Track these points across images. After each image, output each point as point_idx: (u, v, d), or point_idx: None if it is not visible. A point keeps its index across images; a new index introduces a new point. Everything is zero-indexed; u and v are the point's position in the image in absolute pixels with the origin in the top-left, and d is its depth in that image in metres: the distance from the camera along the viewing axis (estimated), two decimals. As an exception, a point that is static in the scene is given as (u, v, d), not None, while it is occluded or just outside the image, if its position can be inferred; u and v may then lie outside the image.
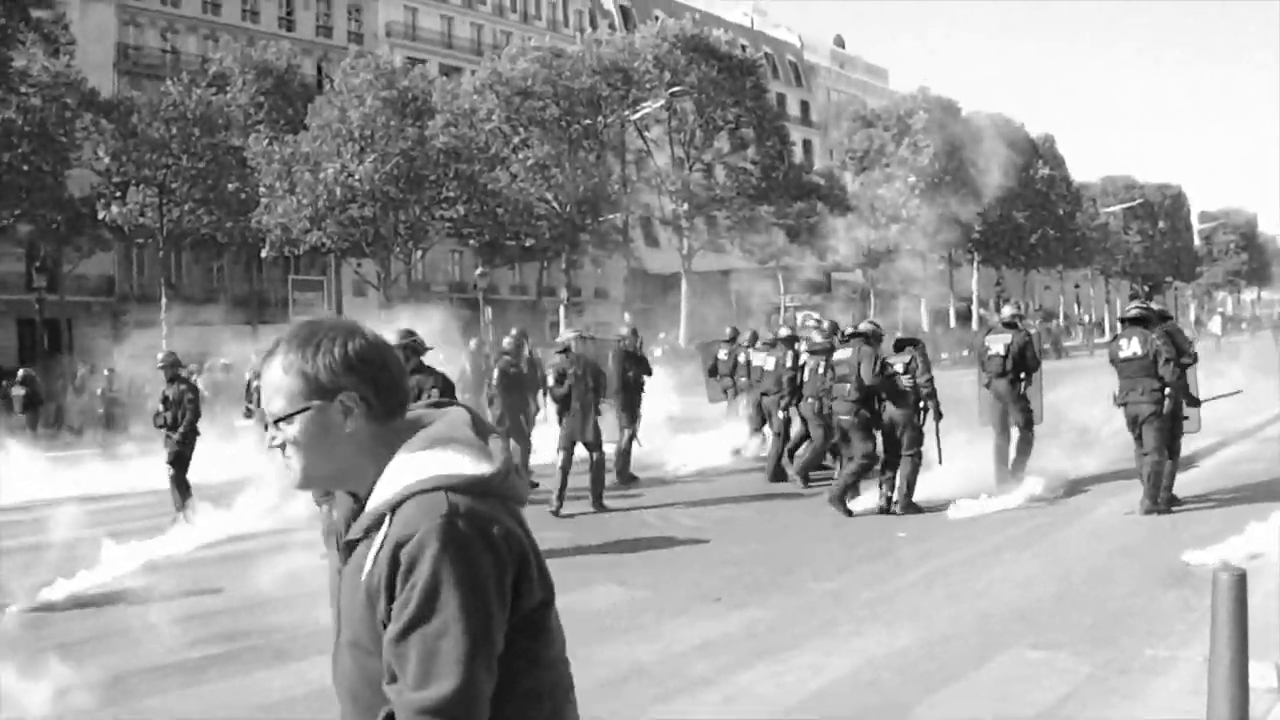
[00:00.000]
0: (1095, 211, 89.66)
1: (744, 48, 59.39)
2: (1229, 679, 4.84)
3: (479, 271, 46.22)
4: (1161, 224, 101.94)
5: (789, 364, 16.09)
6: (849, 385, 13.20)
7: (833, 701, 6.80)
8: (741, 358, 19.60)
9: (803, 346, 16.05)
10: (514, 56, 50.06)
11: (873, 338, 13.61)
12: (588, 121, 49.79)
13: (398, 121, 43.60)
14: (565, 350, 14.80)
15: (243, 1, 60.45)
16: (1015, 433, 14.42)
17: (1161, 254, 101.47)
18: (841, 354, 13.56)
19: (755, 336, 19.78)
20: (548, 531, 12.83)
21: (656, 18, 62.42)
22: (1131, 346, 12.39)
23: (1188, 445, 13.86)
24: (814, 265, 67.08)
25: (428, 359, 11.55)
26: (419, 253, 51.12)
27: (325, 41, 62.78)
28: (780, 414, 16.41)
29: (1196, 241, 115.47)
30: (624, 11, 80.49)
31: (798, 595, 9.53)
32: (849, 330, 14.26)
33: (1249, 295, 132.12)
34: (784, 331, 17.47)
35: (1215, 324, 69.50)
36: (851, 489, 13.40)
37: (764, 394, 17.31)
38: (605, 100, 50.69)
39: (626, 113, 50.00)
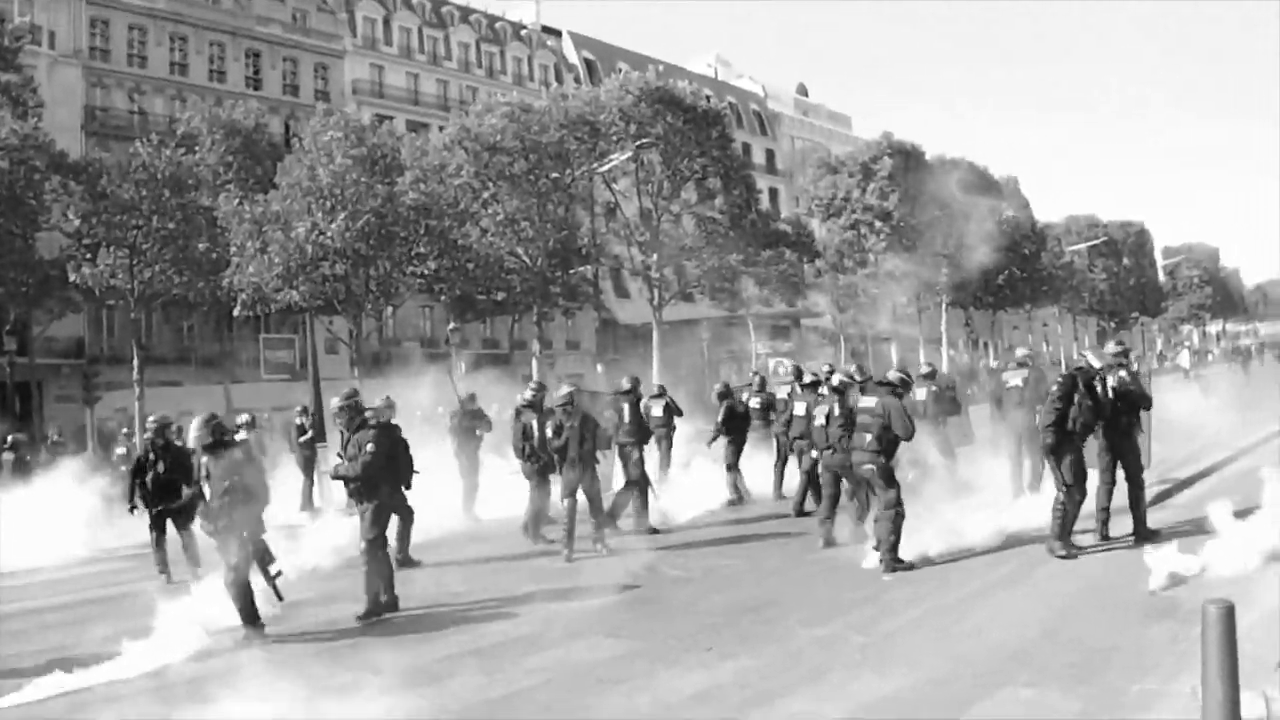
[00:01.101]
0: (1060, 250, 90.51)
1: (708, 98, 59.80)
2: (1221, 710, 4.98)
3: (450, 327, 46.38)
4: (1126, 261, 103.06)
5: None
6: (869, 436, 13.00)
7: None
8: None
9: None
10: (481, 112, 50.25)
11: (901, 386, 13.78)
12: (556, 175, 49.97)
13: (367, 179, 43.66)
14: (564, 404, 15.28)
15: (209, 61, 60.59)
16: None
17: (1127, 290, 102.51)
18: (866, 403, 13.37)
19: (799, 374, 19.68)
20: (537, 584, 13.01)
21: (621, 71, 62.89)
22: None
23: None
24: (783, 312, 67.56)
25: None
26: (390, 309, 51.13)
27: (292, 100, 62.96)
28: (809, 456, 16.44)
29: (1161, 277, 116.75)
30: (589, 65, 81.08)
31: (788, 642, 9.66)
32: (876, 380, 14.18)
33: (1214, 328, 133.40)
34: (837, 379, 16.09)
35: (1184, 358, 70.10)
36: (896, 543, 12.82)
37: (797, 438, 17.43)
38: (573, 153, 50.91)
39: (594, 165, 50.26)
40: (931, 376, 19.16)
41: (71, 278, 42.26)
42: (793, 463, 18.54)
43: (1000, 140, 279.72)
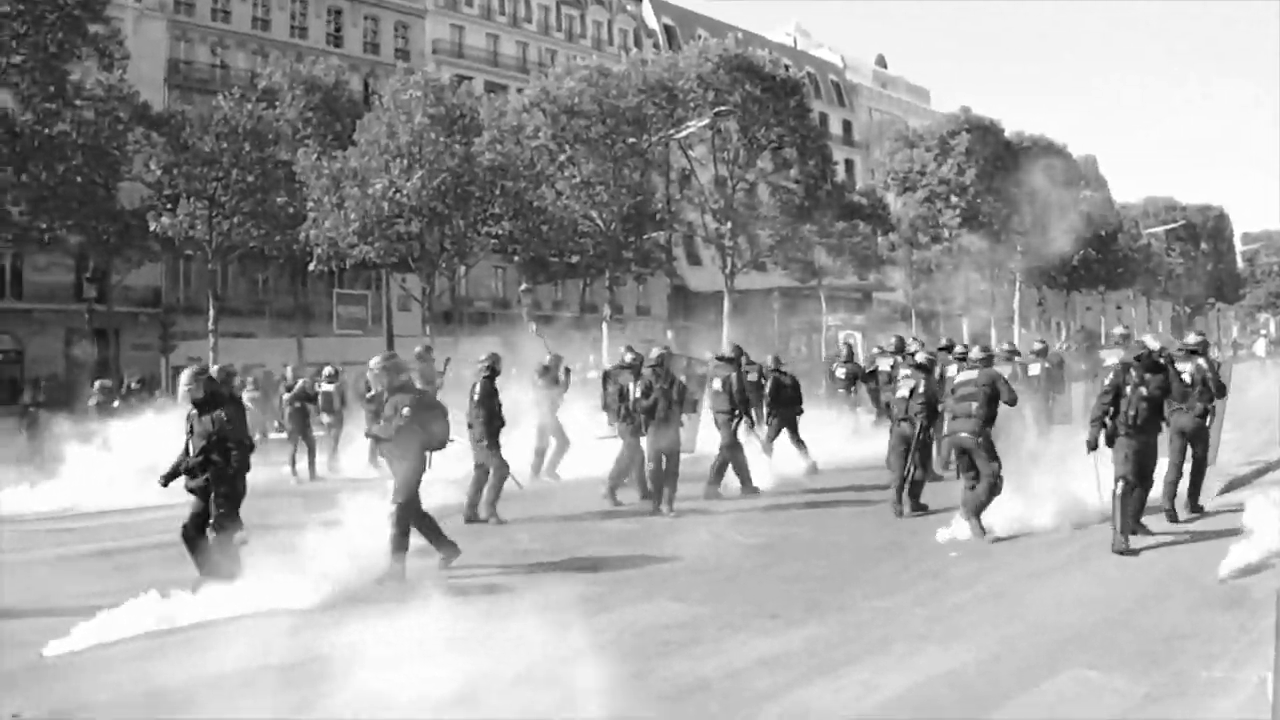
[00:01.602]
0: (1137, 233, 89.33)
1: (787, 67, 59.41)
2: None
3: (523, 288, 46.51)
4: (1204, 245, 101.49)
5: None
6: (975, 404, 13.31)
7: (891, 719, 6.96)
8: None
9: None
10: (560, 75, 50.32)
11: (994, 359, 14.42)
12: (633, 140, 49.90)
13: (445, 138, 43.82)
14: (655, 365, 15.91)
15: (291, 17, 61.09)
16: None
17: (1204, 275, 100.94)
18: (967, 375, 13.72)
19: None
20: (608, 546, 13.07)
21: (700, 37, 62.64)
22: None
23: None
24: (855, 285, 67.19)
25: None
26: (463, 268, 51.38)
27: (372, 58, 63.34)
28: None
29: (1239, 263, 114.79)
30: (668, 31, 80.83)
31: (853, 613, 9.67)
32: (976, 354, 14.42)
33: (1194, 331, 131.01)
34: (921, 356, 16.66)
35: (1260, 346, 68.98)
36: (984, 508, 13.16)
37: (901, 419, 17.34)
38: (650, 119, 50.82)
39: (671, 131, 50.15)
40: (1044, 353, 19.62)
41: (151, 227, 42.84)
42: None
43: (1080, 118, 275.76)
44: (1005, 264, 69.17)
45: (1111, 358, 16.32)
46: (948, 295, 70.47)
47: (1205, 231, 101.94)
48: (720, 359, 18.30)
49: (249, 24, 59.28)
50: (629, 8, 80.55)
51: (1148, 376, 12.31)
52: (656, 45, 75.03)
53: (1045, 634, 8.75)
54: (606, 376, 18.12)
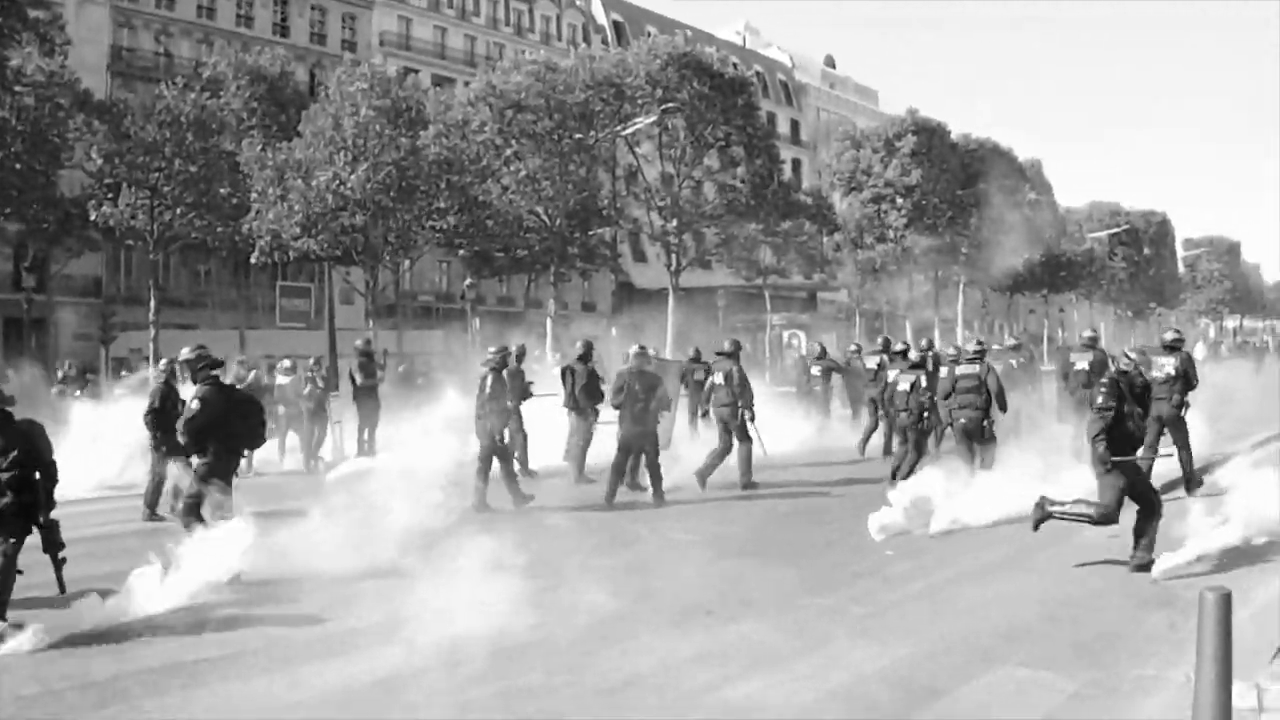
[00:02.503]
0: (1081, 237, 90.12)
1: (736, 66, 59.63)
2: (1213, 696, 5.01)
3: (467, 283, 46.37)
4: (1147, 250, 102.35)
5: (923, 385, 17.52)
6: (975, 395, 15.37)
7: (828, 714, 6.98)
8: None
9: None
10: (508, 70, 50.25)
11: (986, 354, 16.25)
12: (579, 135, 49.92)
13: (391, 131, 43.74)
14: (632, 365, 16.73)
15: (237, 6, 60.57)
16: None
17: (1146, 280, 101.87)
18: (967, 369, 15.61)
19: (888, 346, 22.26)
20: (545, 540, 12.99)
21: (649, 34, 62.73)
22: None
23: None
24: (800, 284, 67.45)
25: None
26: (407, 262, 51.22)
27: (319, 49, 62.95)
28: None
29: (1181, 269, 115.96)
30: (617, 27, 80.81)
31: (790, 610, 9.64)
32: (971, 349, 16.35)
33: (1231, 323, 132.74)
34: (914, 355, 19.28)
35: (1199, 350, 69.81)
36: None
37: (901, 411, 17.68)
38: (597, 115, 50.85)
39: (618, 128, 50.20)
40: (1018, 348, 21.75)
41: (92, 216, 42.48)
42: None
43: (1026, 123, 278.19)
44: (950, 265, 69.66)
45: (1081, 361, 17.57)
46: (892, 296, 70.89)
47: (1148, 237, 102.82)
48: (720, 353, 18.52)
49: (194, 12, 58.69)
50: (578, 3, 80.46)
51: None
52: (605, 41, 75.01)
53: (979, 631, 8.77)
54: (566, 372, 18.37)
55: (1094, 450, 10.89)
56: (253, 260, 45.17)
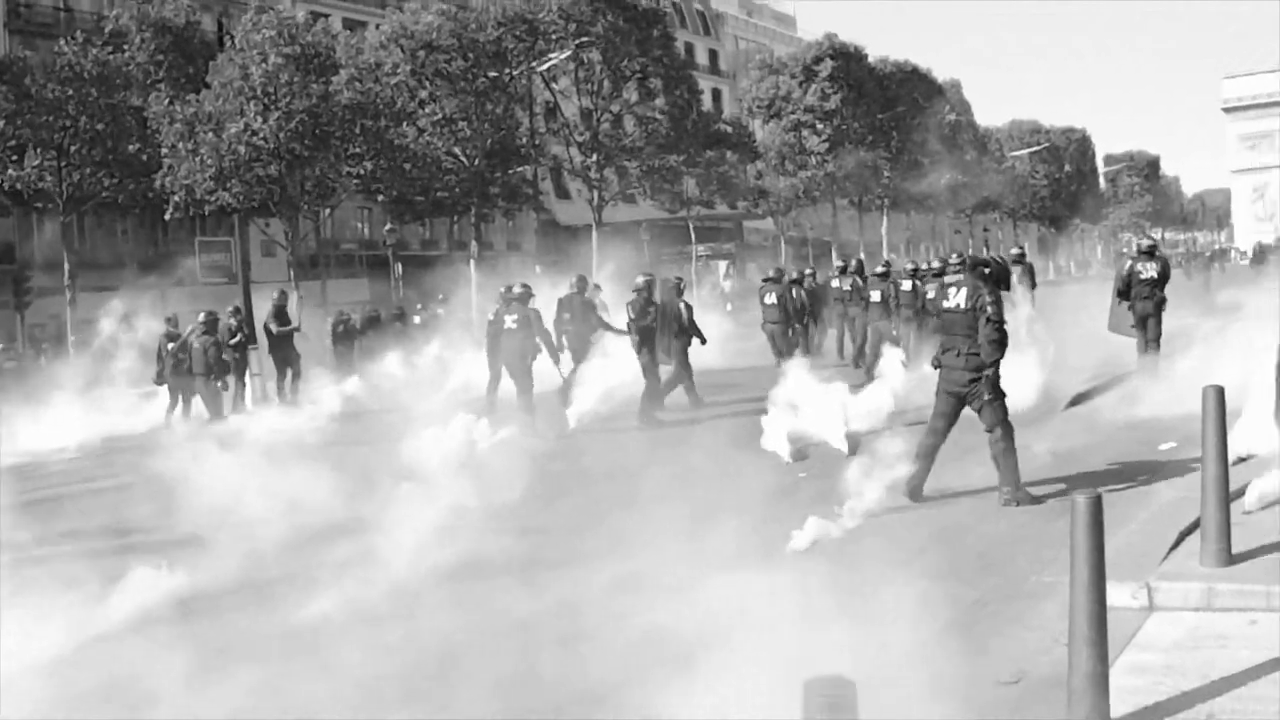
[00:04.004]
0: (1002, 155, 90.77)
1: (651, -3, 59.12)
2: (1087, 599, 5.06)
3: (387, 228, 45.99)
4: (1068, 167, 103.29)
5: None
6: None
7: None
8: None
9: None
10: (417, 10, 49.60)
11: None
12: (494, 74, 49.40)
13: (301, 78, 43.00)
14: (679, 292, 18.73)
15: (139, -43, 59.14)
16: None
17: (1068, 196, 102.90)
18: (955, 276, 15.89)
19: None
20: (452, 477, 12.74)
21: (563, -32, 62.08)
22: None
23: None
24: (725, 214, 67.41)
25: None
26: (327, 211, 50.59)
27: (225, -3, 61.64)
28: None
29: (1102, 184, 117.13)
30: (530, -37, 79.77)
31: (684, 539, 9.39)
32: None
33: (1151, 236, 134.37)
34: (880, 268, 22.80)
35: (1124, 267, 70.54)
36: None
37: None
38: (511, 52, 50.36)
39: (533, 64, 49.75)
40: (1021, 259, 22.55)
41: (-3, 180, 41.54)
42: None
43: (945, 43, 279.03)
44: (872, 189, 69.89)
45: (1149, 270, 17.92)
46: (817, 222, 71.11)
47: (1069, 154, 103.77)
48: (766, 279, 21.76)
49: (94, -35, 57.26)
50: (491, -59, 79.31)
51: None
52: (519, -22, 74.12)
53: (887, 547, 8.70)
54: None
55: (987, 379, 10.15)
56: (167, 217, 44.40)
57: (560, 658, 6.80)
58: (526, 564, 9.08)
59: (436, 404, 18.38)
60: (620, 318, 18.72)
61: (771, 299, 20.26)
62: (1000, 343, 10.04)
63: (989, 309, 9.95)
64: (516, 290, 17.50)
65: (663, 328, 17.73)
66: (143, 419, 21.51)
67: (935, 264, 23.06)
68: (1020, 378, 15.68)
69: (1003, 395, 10.20)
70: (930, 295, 16.73)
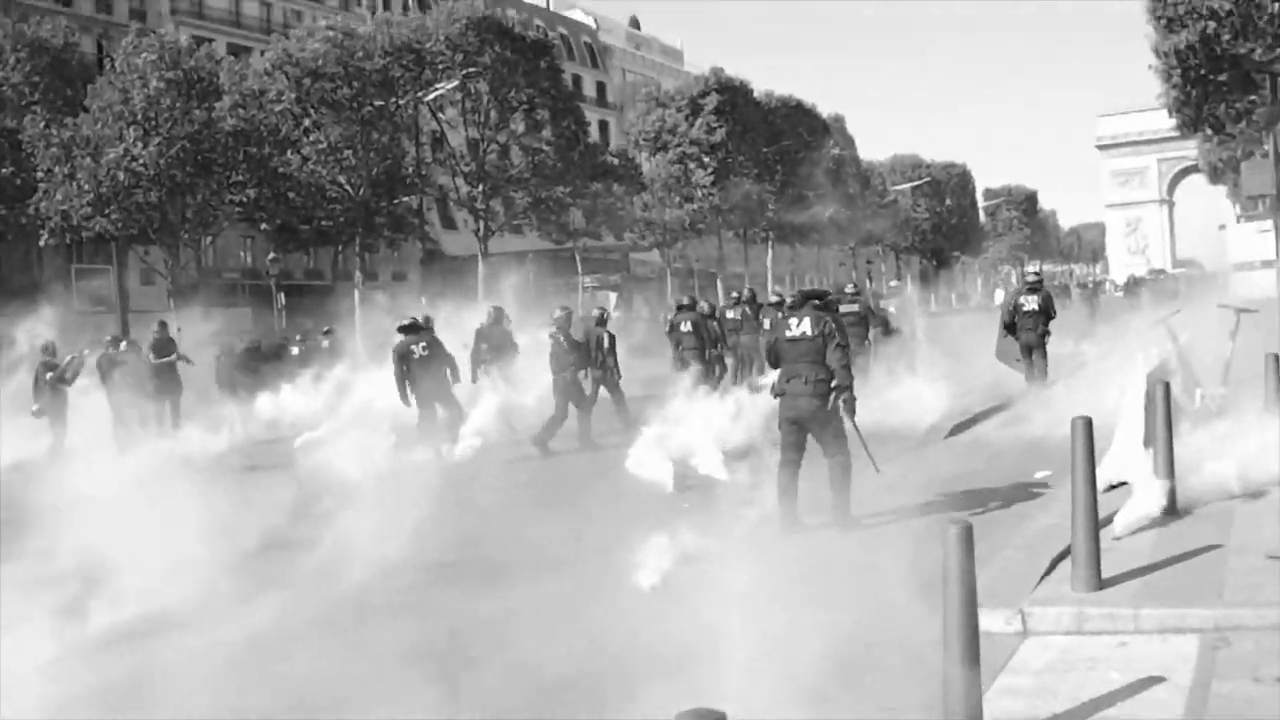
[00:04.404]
0: (884, 189, 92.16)
1: (539, 28, 59.37)
2: (961, 624, 5.13)
3: (270, 257, 45.47)
4: (949, 201, 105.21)
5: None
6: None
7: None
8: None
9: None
10: (303, 37, 49.24)
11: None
12: (380, 103, 49.19)
13: (183, 103, 42.51)
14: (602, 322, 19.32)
15: (17, -25, 58.02)
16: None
17: (949, 229, 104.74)
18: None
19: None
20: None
21: (451, -2, 62.02)
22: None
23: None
24: (611, 245, 67.61)
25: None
26: (209, 239, 49.98)
27: (106, 18, 60.58)
28: None
29: (982, 218, 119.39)
30: (417, -9, 79.56)
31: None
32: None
33: (1031, 268, 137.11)
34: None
35: (1000, 295, 72.07)
36: None
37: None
38: (398, 81, 50.20)
39: (420, 94, 49.61)
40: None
41: None
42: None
43: (829, 80, 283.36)
44: (758, 222, 70.55)
45: (1030, 303, 19.10)
46: (703, 254, 71.61)
47: (949, 188, 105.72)
48: (681, 306, 21.70)
49: (-33, -18, 56.04)
50: (377, -32, 78.97)
51: None
52: (405, 6, 73.78)
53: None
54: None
55: (844, 402, 10.41)
56: (42, 243, 43.52)
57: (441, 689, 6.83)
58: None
59: (334, 428, 18.41)
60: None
61: (688, 326, 20.47)
62: (848, 368, 10.32)
63: (838, 335, 10.23)
64: (420, 320, 18.07)
65: (584, 358, 17.94)
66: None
67: (774, 298, 24.11)
68: (903, 404, 16.29)
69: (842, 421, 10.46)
70: (766, 325, 17.37)
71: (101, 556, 9.80)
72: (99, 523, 10.50)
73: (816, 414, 10.28)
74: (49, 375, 21.10)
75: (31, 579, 8.90)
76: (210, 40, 59.21)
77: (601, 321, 19.47)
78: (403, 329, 17.39)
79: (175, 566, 9.28)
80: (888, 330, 22.97)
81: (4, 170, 42.29)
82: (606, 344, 18.75)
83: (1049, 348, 19.14)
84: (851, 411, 10.60)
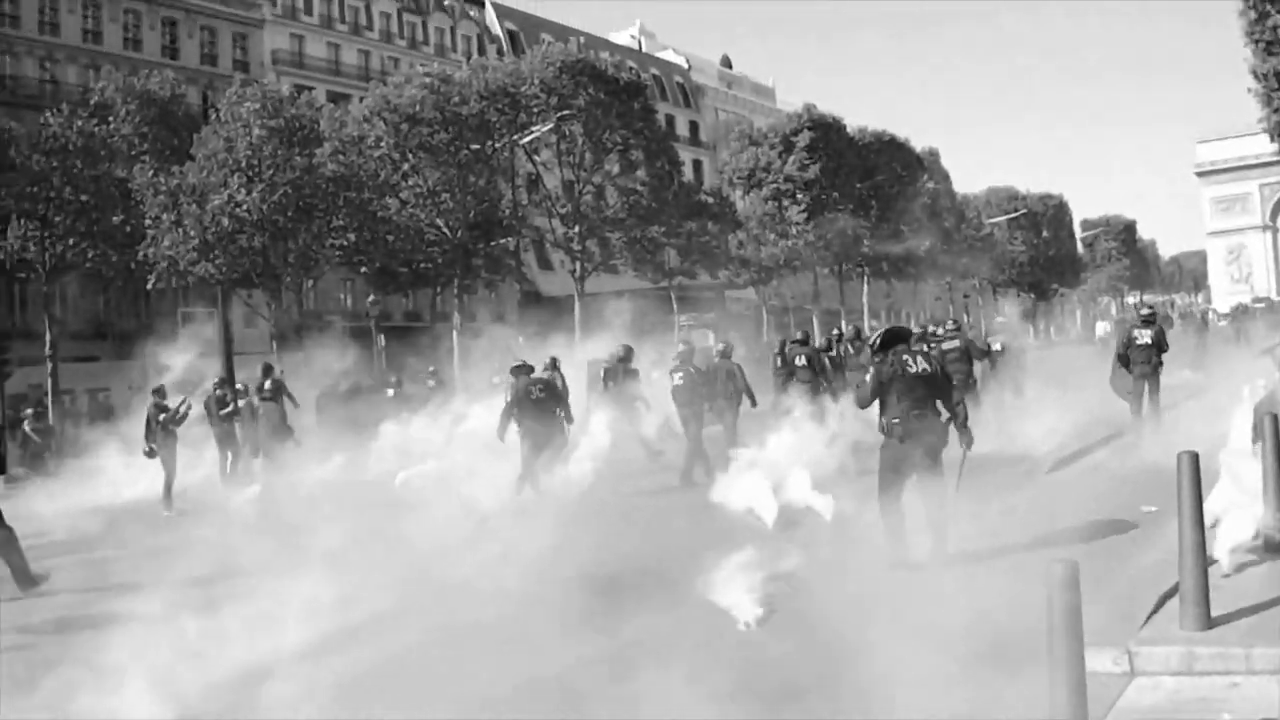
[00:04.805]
0: (980, 223, 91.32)
1: (632, 69, 59.79)
2: (1067, 664, 5.08)
3: (370, 299, 46.07)
4: (1045, 233, 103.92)
5: None
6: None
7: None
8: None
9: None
10: (401, 83, 50.00)
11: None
12: (476, 146, 49.76)
13: (285, 150, 43.29)
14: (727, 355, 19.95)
15: (124, 30, 59.55)
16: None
17: (1046, 262, 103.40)
18: (1145, 332, 19.17)
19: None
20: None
21: (544, 42, 62.67)
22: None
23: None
24: (706, 284, 67.72)
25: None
26: (310, 282, 50.76)
27: (210, 70, 62.05)
28: None
29: (1080, 249, 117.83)
30: (511, 36, 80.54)
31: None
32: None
33: (1131, 299, 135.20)
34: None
35: (1101, 328, 71.06)
36: None
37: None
38: (494, 125, 50.76)
39: (515, 137, 50.13)
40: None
41: (-20, 250, 41.60)
42: None
43: (922, 112, 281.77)
44: (853, 257, 70.28)
45: (1144, 336, 19.21)
46: (797, 290, 71.41)
47: (1046, 220, 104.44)
48: (794, 341, 22.11)
49: (79, 36, 57.60)
50: (472, 14, 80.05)
51: None
52: (500, 51, 74.75)
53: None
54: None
55: (964, 434, 10.69)
56: (149, 287, 44.50)
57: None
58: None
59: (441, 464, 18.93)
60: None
61: (802, 360, 20.81)
62: (963, 403, 10.97)
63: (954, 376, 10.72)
64: (543, 364, 20.14)
65: (712, 390, 18.77)
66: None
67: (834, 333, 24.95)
68: (1010, 436, 16.24)
69: None
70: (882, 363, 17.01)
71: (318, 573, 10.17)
72: (312, 542, 11.03)
73: (938, 447, 10.47)
74: (162, 417, 21.64)
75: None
76: (310, 89, 60.40)
77: (726, 355, 20.04)
78: (515, 370, 17.66)
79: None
80: (992, 356, 23.23)
81: (115, 218, 43.31)
82: (738, 374, 19.46)
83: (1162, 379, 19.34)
84: (969, 444, 10.69)
